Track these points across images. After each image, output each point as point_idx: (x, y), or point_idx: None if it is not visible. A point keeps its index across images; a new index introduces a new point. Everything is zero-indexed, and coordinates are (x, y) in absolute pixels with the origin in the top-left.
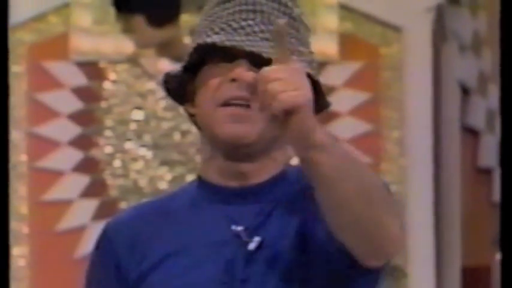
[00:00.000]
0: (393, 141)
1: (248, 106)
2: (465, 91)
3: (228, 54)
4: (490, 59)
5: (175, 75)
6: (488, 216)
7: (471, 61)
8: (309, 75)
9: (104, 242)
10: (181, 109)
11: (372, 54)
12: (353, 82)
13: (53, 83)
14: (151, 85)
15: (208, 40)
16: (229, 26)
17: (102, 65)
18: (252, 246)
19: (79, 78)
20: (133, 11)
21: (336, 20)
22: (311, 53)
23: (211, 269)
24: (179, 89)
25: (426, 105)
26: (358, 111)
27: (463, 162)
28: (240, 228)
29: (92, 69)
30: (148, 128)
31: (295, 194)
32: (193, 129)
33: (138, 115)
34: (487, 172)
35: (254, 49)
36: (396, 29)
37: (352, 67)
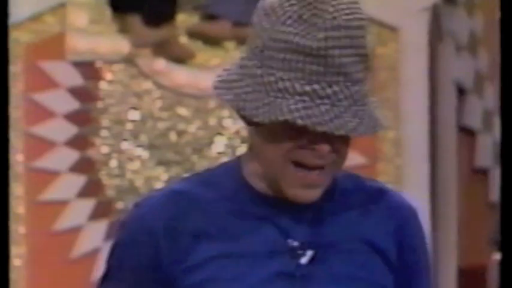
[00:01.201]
0: (389, 141)
1: (322, 168)
2: (461, 91)
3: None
4: (486, 59)
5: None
6: (484, 216)
7: (467, 61)
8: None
9: (138, 224)
10: (177, 109)
11: None
12: None
13: (49, 83)
14: (148, 85)
15: (299, 121)
16: (314, 91)
17: (98, 65)
18: (304, 260)
19: (75, 78)
20: (129, 11)
21: None
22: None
23: (265, 281)
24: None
25: (422, 105)
26: None
27: (460, 162)
28: (293, 240)
29: (88, 69)
30: (145, 128)
31: (350, 206)
32: (190, 129)
33: (134, 115)
34: (483, 172)
35: (342, 132)
36: (392, 28)
37: None
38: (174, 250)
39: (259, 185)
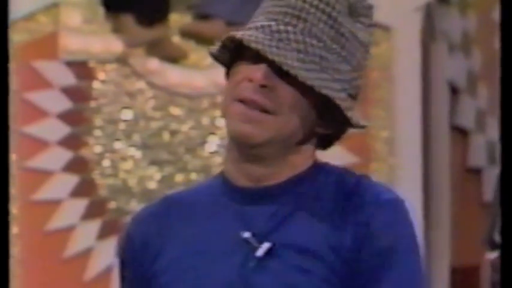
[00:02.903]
0: (382, 141)
1: (261, 111)
2: (454, 91)
3: (257, 55)
4: (479, 59)
5: (217, 55)
6: (477, 216)
7: (460, 61)
8: (327, 102)
9: (125, 239)
10: (170, 109)
11: None
12: None
13: (42, 83)
14: (141, 85)
15: (238, 36)
16: (269, 26)
17: (91, 64)
18: (260, 252)
19: (68, 78)
20: (122, 10)
21: None
22: (355, 71)
23: (220, 274)
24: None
25: (415, 105)
26: None
27: (453, 162)
28: (248, 233)
29: (81, 68)
30: (138, 127)
31: (319, 200)
32: (182, 128)
33: (127, 115)
34: (476, 172)
35: (276, 58)
36: (385, 28)
37: None
38: (146, 254)
39: (231, 172)
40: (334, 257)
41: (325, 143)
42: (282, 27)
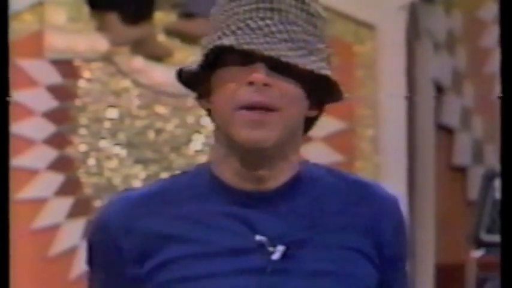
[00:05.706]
0: (367, 139)
1: (266, 110)
2: (439, 89)
3: (246, 56)
4: (464, 57)
5: (189, 71)
6: (462, 214)
7: (445, 59)
8: (324, 77)
9: (102, 230)
10: (155, 107)
11: (345, 52)
12: None
13: (28, 81)
14: (126, 83)
15: (226, 42)
16: (247, 25)
17: (76, 63)
18: (276, 256)
19: (54, 77)
20: (107, 8)
21: None
22: (327, 47)
23: (235, 278)
24: (194, 82)
25: (400, 104)
26: (331, 109)
27: (438, 160)
28: (263, 237)
29: (67, 67)
30: (123, 126)
31: (325, 201)
32: (167, 127)
33: (113, 113)
34: (461, 170)
35: (272, 53)
36: (370, 27)
37: None
38: (139, 250)
39: (227, 175)
40: (353, 255)
41: (305, 127)
42: (261, 23)
